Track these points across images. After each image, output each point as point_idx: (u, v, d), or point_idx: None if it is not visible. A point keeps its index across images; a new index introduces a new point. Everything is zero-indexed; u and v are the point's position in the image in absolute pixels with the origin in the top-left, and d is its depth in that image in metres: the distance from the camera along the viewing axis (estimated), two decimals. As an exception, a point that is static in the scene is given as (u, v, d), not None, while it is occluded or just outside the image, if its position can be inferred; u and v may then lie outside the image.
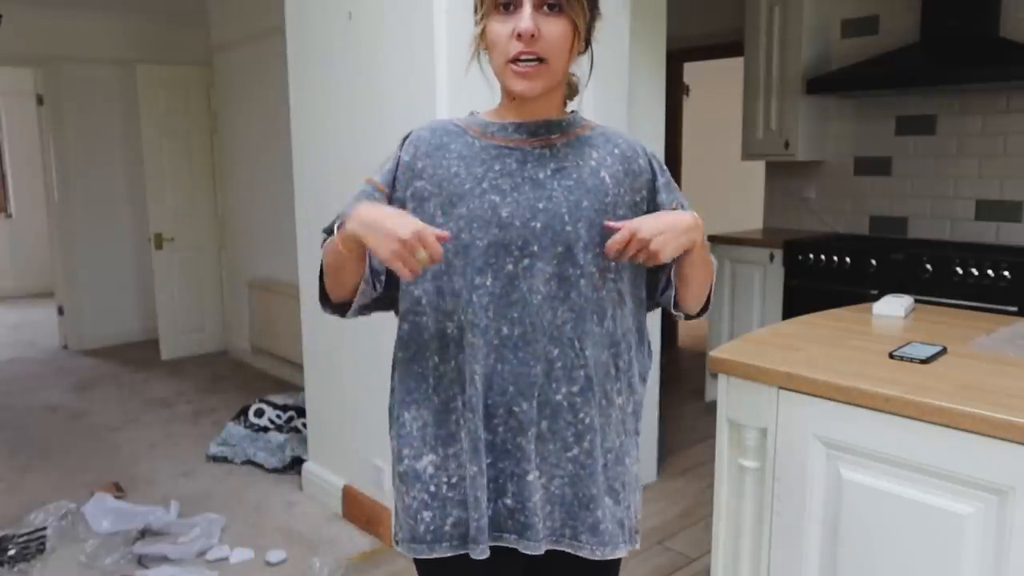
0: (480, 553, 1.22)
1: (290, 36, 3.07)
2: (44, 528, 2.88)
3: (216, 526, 2.91)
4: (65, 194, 5.68)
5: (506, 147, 1.24)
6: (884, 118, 4.08)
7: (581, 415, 1.24)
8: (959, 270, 3.34)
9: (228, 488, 3.34)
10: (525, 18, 1.15)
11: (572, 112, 1.33)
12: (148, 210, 5.42)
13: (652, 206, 1.30)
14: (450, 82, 2.35)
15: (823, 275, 3.78)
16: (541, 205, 1.21)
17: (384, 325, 2.71)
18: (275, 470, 3.49)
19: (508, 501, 1.23)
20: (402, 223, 1.08)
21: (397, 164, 1.28)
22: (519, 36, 1.15)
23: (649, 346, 1.37)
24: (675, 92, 5.13)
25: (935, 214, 3.95)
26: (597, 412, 1.26)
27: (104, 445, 3.91)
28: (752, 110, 4.33)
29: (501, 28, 1.18)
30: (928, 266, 3.42)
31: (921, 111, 3.94)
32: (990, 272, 3.26)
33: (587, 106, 2.72)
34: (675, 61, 4.97)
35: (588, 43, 1.28)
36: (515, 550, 1.25)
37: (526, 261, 1.20)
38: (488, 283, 1.19)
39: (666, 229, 1.16)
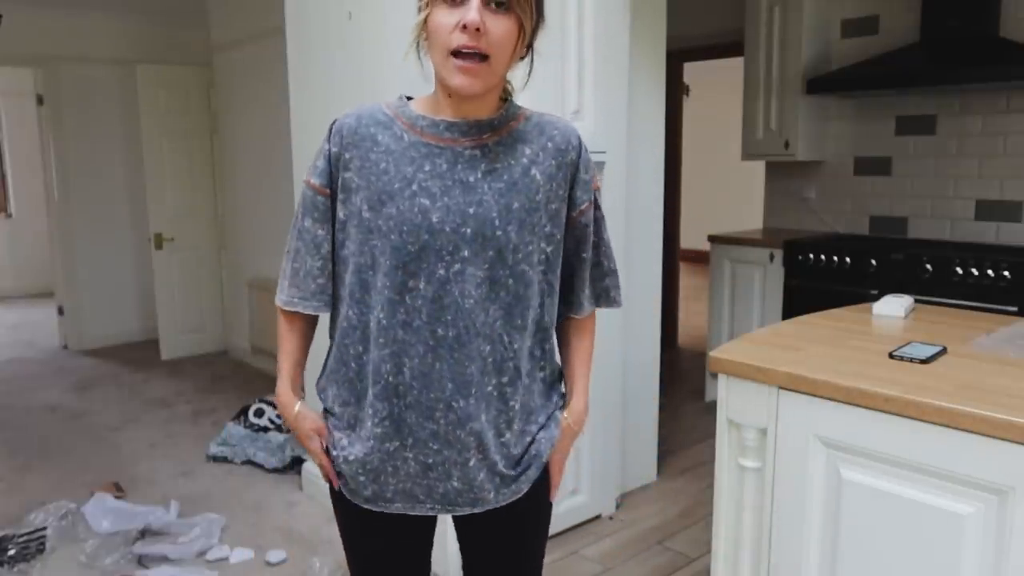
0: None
1: (290, 36, 3.07)
2: (44, 528, 2.88)
3: (216, 526, 2.91)
4: (65, 194, 5.68)
5: (436, 146, 1.22)
6: (884, 118, 4.08)
7: (511, 403, 1.29)
8: (959, 270, 3.34)
9: (228, 488, 3.34)
10: (472, 10, 1.12)
11: (507, 102, 1.29)
12: (148, 210, 5.42)
13: (569, 197, 1.31)
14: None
15: (823, 275, 3.78)
16: (472, 210, 1.21)
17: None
18: (275, 470, 3.49)
19: (455, 484, 1.29)
20: (310, 449, 1.35)
21: (328, 157, 1.28)
22: (464, 28, 1.12)
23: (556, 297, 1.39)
24: (675, 92, 5.13)
25: (935, 214, 3.95)
26: (523, 394, 1.32)
27: (104, 445, 3.91)
28: (752, 110, 4.33)
29: (446, 18, 1.14)
30: (928, 266, 3.42)
31: (921, 111, 3.94)
32: (990, 272, 3.26)
33: (587, 106, 2.73)
34: (675, 61, 4.97)
35: (530, 47, 1.25)
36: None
37: (457, 266, 1.21)
38: (421, 287, 1.21)
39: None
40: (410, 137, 1.23)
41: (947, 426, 1.42)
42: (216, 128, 5.60)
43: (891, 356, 1.71)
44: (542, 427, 1.36)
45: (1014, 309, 3.14)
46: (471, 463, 1.27)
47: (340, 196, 1.26)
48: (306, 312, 1.34)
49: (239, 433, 3.65)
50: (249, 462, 3.57)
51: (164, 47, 5.72)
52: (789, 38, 4.13)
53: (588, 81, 2.71)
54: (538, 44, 1.26)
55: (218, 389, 4.86)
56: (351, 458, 1.31)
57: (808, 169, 4.42)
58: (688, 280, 6.92)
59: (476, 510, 1.33)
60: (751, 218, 5.24)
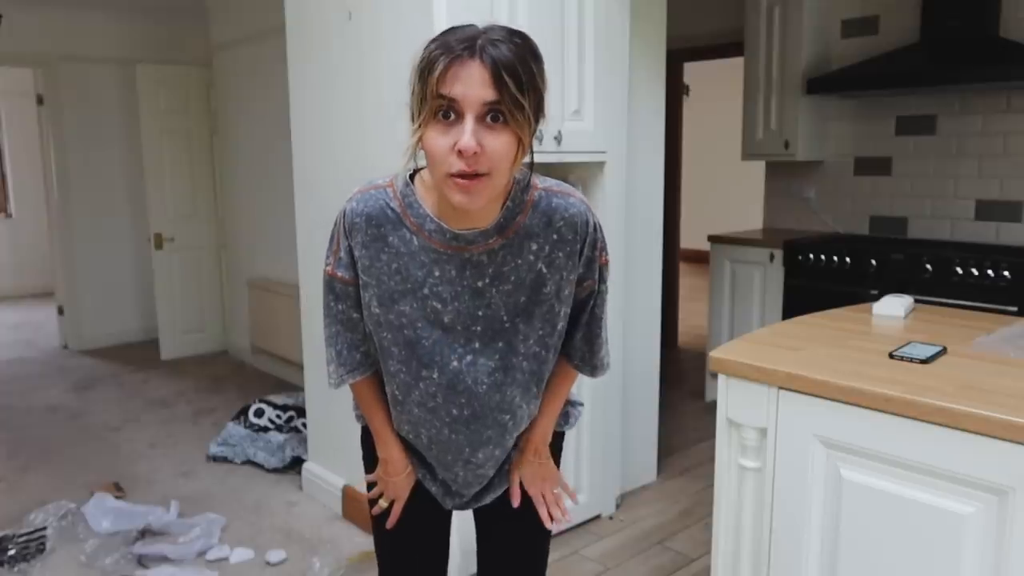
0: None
1: (290, 36, 3.07)
2: (44, 528, 2.88)
3: (216, 526, 2.91)
4: (65, 194, 5.68)
5: (444, 252, 1.24)
6: (884, 118, 4.08)
7: (514, 436, 1.42)
8: (959, 270, 3.34)
9: (228, 488, 3.34)
10: (467, 134, 1.08)
11: (513, 189, 1.26)
12: (148, 210, 5.42)
13: (580, 281, 1.35)
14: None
15: (823, 275, 3.78)
16: (481, 313, 1.27)
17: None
18: (275, 470, 3.49)
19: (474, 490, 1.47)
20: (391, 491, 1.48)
21: (350, 251, 1.29)
22: (460, 153, 1.09)
23: None
24: (675, 92, 5.13)
25: (935, 214, 3.95)
26: (522, 424, 1.43)
27: (104, 445, 3.91)
28: (752, 110, 4.33)
29: (442, 140, 1.11)
30: (928, 266, 3.42)
31: (921, 111, 3.94)
32: (990, 272, 3.26)
33: (587, 106, 2.73)
34: (675, 61, 4.96)
35: (530, 149, 1.19)
36: None
37: (469, 358, 1.28)
38: (435, 376, 1.29)
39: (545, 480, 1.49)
40: (419, 241, 1.25)
41: (947, 426, 1.42)
42: (216, 128, 5.60)
43: (891, 356, 1.71)
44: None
45: (1014, 309, 3.14)
46: (485, 482, 1.45)
47: (361, 280, 1.30)
48: (358, 380, 1.40)
49: (239, 433, 3.65)
50: (249, 462, 3.57)
51: (164, 47, 5.72)
52: (789, 38, 4.13)
53: (588, 81, 2.71)
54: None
55: (218, 389, 4.86)
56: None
57: (808, 169, 4.42)
58: (688, 280, 6.91)
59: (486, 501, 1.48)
60: (751, 218, 5.24)
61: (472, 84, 1.08)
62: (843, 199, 4.30)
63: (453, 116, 1.10)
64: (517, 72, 1.09)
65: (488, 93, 1.08)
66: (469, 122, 1.09)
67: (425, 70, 1.11)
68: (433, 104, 1.10)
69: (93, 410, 4.47)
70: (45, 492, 3.30)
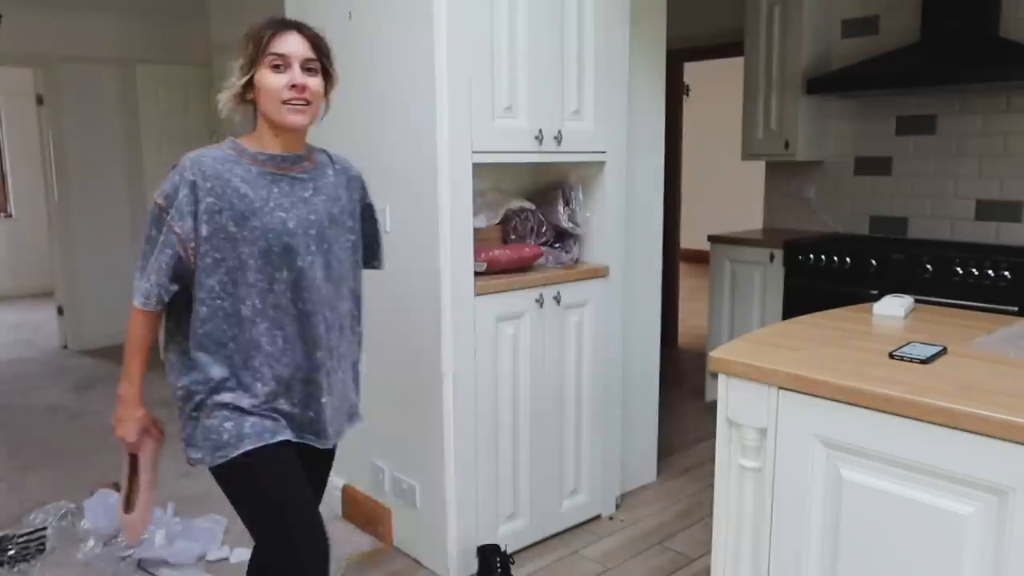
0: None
1: (290, 36, 3.06)
2: (44, 528, 2.88)
3: (216, 527, 2.91)
4: (65, 194, 5.68)
5: (276, 174, 1.68)
6: (884, 118, 4.08)
7: (342, 350, 1.79)
8: (959, 270, 3.34)
9: (228, 488, 3.33)
10: (298, 75, 1.63)
11: (307, 145, 1.78)
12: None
13: (360, 203, 1.87)
14: (450, 82, 2.35)
15: (823, 275, 3.78)
16: (312, 217, 1.69)
17: (383, 325, 2.70)
18: (275, 470, 3.48)
19: (310, 414, 1.73)
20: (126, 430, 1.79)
21: (192, 189, 1.59)
22: (293, 86, 1.62)
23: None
24: (675, 92, 5.13)
25: (935, 214, 3.95)
26: (348, 344, 1.82)
27: (104, 445, 3.90)
28: (752, 110, 4.33)
29: (276, 79, 1.63)
30: (928, 266, 3.42)
31: (921, 111, 3.94)
32: (990, 272, 3.26)
33: (587, 106, 2.73)
34: (675, 61, 4.97)
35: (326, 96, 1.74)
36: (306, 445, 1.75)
37: (308, 258, 1.68)
38: (284, 275, 1.65)
39: None
40: (256, 169, 1.67)
41: (947, 426, 1.42)
42: (216, 128, 5.59)
43: (891, 356, 1.71)
44: (356, 387, 1.88)
45: (1014, 309, 3.14)
46: (323, 399, 1.73)
47: (204, 218, 1.59)
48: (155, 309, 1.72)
49: (239, 433, 3.64)
50: (249, 462, 3.56)
51: (164, 47, 5.71)
52: (789, 38, 4.13)
53: (588, 81, 2.71)
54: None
55: (218, 389, 4.85)
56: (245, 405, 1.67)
57: (808, 169, 4.42)
58: (688, 280, 6.91)
59: (319, 446, 1.76)
60: (751, 218, 5.24)
61: (296, 46, 1.64)
62: (843, 199, 4.30)
63: (283, 67, 1.63)
64: (321, 40, 1.70)
65: (308, 52, 1.66)
66: (296, 67, 1.64)
67: (258, 36, 1.64)
68: (267, 60, 1.63)
69: (93, 410, 4.47)
70: (45, 492, 3.30)
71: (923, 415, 1.45)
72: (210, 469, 1.73)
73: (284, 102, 1.63)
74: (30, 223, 8.06)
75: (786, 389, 1.66)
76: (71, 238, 5.73)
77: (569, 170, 2.89)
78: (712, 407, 2.38)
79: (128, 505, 1.87)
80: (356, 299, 1.85)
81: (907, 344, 1.78)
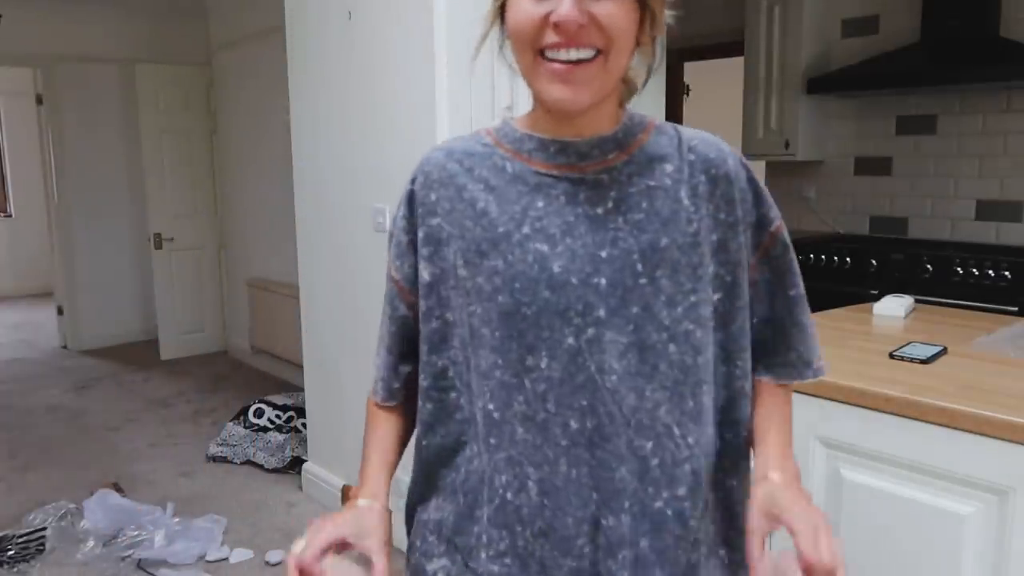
0: None
1: (290, 36, 3.07)
2: (44, 528, 2.88)
3: (216, 527, 2.91)
4: (65, 194, 5.67)
5: (549, 175, 0.91)
6: (884, 118, 4.08)
7: (692, 524, 0.92)
8: (959, 270, 3.34)
9: (228, 488, 3.34)
10: (566, 3, 0.79)
11: (627, 113, 0.95)
12: (148, 210, 5.42)
13: (752, 225, 0.98)
14: (450, 81, 2.35)
15: (823, 275, 3.77)
16: (604, 253, 0.88)
17: (371, 328, 2.70)
18: (275, 470, 3.49)
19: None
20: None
21: (409, 205, 0.97)
22: (556, 26, 0.80)
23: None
24: (675, 92, 5.13)
25: (935, 214, 3.94)
26: (712, 511, 0.96)
27: (104, 445, 3.90)
28: (752, 110, 4.33)
29: (530, 8, 0.82)
30: (928, 266, 3.42)
31: (921, 111, 3.94)
32: (990, 272, 3.25)
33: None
34: (675, 61, 4.97)
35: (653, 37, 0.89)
36: None
37: (591, 331, 0.88)
38: (543, 365, 0.88)
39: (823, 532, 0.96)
40: (515, 165, 0.92)
41: (947, 426, 1.42)
42: (216, 128, 5.60)
43: (891, 356, 1.70)
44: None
45: (1014, 309, 3.14)
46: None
47: (425, 251, 0.95)
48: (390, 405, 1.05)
49: (239, 433, 3.65)
50: (249, 462, 3.57)
51: (164, 47, 5.71)
52: (789, 38, 4.13)
53: (588, 81, 2.70)
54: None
55: (218, 389, 4.86)
56: None
57: (808, 169, 4.42)
58: (688, 280, 6.92)
59: None
60: (751, 218, 5.24)
61: None
62: (843, 199, 4.30)
63: None
64: None
65: None
66: None
67: None
68: None
69: (93, 410, 4.47)
70: (45, 492, 3.30)
71: (923, 415, 1.45)
72: None
73: (541, 53, 0.83)
74: (30, 223, 8.06)
75: (786, 389, 1.65)
76: (71, 238, 5.73)
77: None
78: (712, 407, 2.38)
79: None
80: (733, 423, 1.00)
81: (907, 344, 1.78)
